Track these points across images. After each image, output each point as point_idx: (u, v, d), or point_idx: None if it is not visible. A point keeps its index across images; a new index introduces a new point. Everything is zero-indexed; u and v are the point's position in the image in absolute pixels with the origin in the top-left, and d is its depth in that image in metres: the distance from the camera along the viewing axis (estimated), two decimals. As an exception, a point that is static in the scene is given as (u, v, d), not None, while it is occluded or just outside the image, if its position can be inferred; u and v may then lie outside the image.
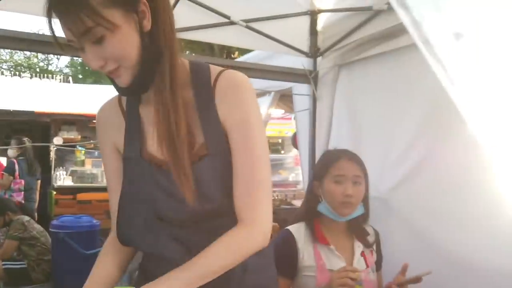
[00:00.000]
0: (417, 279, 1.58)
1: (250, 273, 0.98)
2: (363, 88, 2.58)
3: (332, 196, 1.64)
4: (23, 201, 5.49)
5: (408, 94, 2.27)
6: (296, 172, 6.98)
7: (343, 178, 1.64)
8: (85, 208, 6.10)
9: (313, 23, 2.79)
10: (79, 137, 7.69)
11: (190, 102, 0.94)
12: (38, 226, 4.11)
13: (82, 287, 0.98)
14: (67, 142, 7.25)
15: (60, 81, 16.20)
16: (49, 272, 3.99)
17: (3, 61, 23.35)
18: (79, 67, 23.83)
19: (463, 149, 1.92)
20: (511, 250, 1.74)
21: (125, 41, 0.84)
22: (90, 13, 0.79)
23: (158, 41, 0.88)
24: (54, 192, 6.42)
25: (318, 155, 2.74)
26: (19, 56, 23.96)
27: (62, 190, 6.50)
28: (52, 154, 6.82)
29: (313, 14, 2.75)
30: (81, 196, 6.47)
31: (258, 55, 3.35)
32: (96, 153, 6.98)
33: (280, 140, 9.78)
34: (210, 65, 0.98)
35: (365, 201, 1.70)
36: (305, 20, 2.77)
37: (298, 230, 1.67)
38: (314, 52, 2.82)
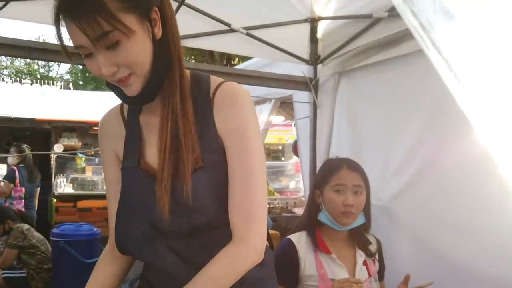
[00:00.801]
0: None
1: (247, 286, 0.96)
2: (364, 96, 2.57)
3: (332, 205, 1.63)
4: (23, 209, 5.48)
5: (408, 101, 2.26)
6: (297, 180, 6.98)
7: (343, 188, 1.63)
8: (85, 215, 6.09)
9: (313, 31, 2.79)
10: (80, 144, 7.69)
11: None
12: (38, 235, 4.09)
13: None
14: (68, 149, 7.25)
15: (61, 88, 16.23)
16: (49, 281, 3.97)
17: (3, 67, 23.42)
18: (79, 74, 23.87)
19: (465, 156, 1.91)
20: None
21: (140, 47, 0.83)
22: (108, 16, 0.78)
23: (168, 49, 0.89)
24: (55, 200, 6.41)
25: (319, 162, 2.74)
26: (20, 62, 24.03)
27: (63, 197, 6.49)
28: (53, 162, 6.81)
29: (313, 22, 2.75)
30: (81, 204, 6.46)
31: (258, 62, 3.35)
32: (97, 160, 6.98)
33: (280, 147, 9.77)
34: (211, 76, 0.98)
35: (367, 210, 1.69)
36: (305, 28, 2.78)
37: (299, 239, 1.66)
38: (314, 60, 2.82)
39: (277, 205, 4.50)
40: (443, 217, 2.04)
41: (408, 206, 2.24)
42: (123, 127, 1.03)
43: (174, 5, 2.27)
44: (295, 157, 6.18)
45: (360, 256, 1.68)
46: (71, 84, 19.72)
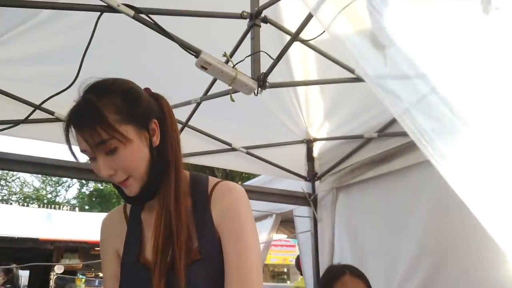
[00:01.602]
0: None
1: None
2: (362, 209, 2.67)
3: None
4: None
5: (405, 213, 2.35)
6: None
7: None
8: None
9: (309, 151, 2.99)
10: (81, 265, 7.55)
11: (189, 209, 1.01)
12: None
13: None
14: (69, 269, 7.10)
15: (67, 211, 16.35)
16: None
17: (13, 193, 23.87)
18: (86, 198, 24.18)
19: (471, 261, 1.95)
20: None
21: (136, 154, 0.94)
22: (106, 127, 0.90)
23: (165, 155, 1.00)
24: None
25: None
26: (29, 188, 24.57)
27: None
28: (52, 283, 6.62)
29: (308, 143, 2.97)
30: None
31: (260, 179, 3.51)
32: (97, 281, 6.79)
33: (285, 269, 9.48)
34: (209, 176, 1.09)
35: None
36: (302, 148, 2.99)
37: None
38: (312, 177, 2.98)
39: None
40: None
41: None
42: (125, 224, 1.10)
43: (178, 126, 2.51)
44: (300, 278, 5.98)
45: None
46: (77, 209, 19.90)
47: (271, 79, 1.74)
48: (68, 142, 0.95)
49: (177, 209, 0.97)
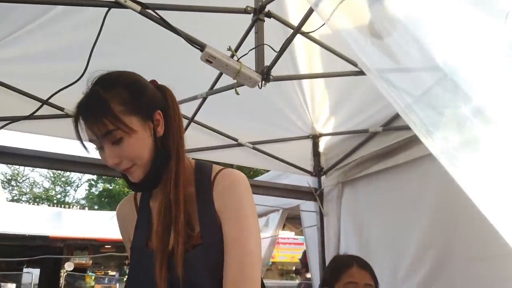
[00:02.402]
0: None
1: None
2: (367, 203, 2.69)
3: None
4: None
5: (410, 206, 2.37)
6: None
7: (355, 286, 1.65)
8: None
9: (315, 146, 3.01)
10: (91, 262, 7.63)
11: (192, 196, 1.05)
12: None
13: None
14: (79, 267, 7.18)
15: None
16: None
17: (23, 193, 24.12)
18: (95, 198, 24.35)
19: (476, 254, 1.95)
20: None
21: (140, 144, 0.98)
22: (112, 118, 0.95)
23: (168, 144, 1.03)
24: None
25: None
26: (39, 188, 24.82)
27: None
28: (62, 280, 6.71)
29: (314, 138, 2.98)
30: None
31: (267, 176, 3.54)
32: (106, 279, 6.85)
33: (294, 267, 9.50)
34: (213, 164, 1.12)
35: None
36: (308, 143, 3.01)
37: None
38: (318, 171, 3.00)
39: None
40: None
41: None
42: (135, 212, 1.16)
43: (185, 122, 2.54)
44: (308, 275, 5.98)
45: None
46: (86, 208, 20.06)
47: (277, 74, 1.77)
48: (78, 133, 1.00)
49: (177, 197, 1.00)
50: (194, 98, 2.32)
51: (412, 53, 1.15)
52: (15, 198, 23.14)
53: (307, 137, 2.96)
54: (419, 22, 1.12)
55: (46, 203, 22.67)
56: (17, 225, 7.34)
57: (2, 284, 7.06)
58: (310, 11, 1.66)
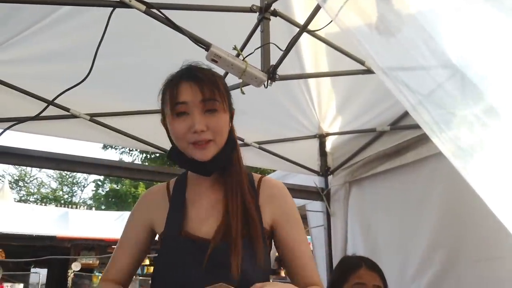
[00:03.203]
0: None
1: None
2: (375, 202, 2.66)
3: None
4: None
5: (418, 205, 2.34)
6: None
7: (363, 287, 1.63)
8: None
9: (322, 145, 3.00)
10: (98, 262, 7.66)
11: None
12: None
13: None
14: (86, 267, 7.21)
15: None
16: None
17: (31, 194, 24.28)
18: (102, 199, 24.45)
19: (486, 253, 1.93)
20: None
21: (226, 124, 1.08)
22: (221, 91, 1.06)
23: (234, 137, 1.14)
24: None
25: (334, 271, 2.72)
26: (46, 189, 24.97)
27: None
28: (69, 280, 6.74)
29: (321, 137, 2.97)
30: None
31: (273, 176, 3.52)
32: (113, 279, 6.86)
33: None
34: None
35: None
36: (315, 142, 2.99)
37: None
38: (324, 171, 2.98)
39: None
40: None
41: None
42: (167, 202, 1.17)
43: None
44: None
45: None
46: (93, 209, 20.15)
47: (283, 73, 1.75)
48: (172, 94, 1.05)
49: (243, 188, 1.11)
50: (200, 98, 2.30)
51: (422, 50, 1.12)
52: (23, 198, 23.30)
53: (314, 136, 2.94)
54: (429, 18, 1.10)
55: (53, 203, 22.78)
56: (24, 226, 7.38)
57: (10, 284, 7.11)
58: (317, 9, 1.65)
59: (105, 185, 25.25)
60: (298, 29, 1.83)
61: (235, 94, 1.91)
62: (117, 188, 23.35)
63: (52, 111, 2.27)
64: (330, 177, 2.98)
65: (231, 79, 1.78)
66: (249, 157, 2.84)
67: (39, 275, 8.38)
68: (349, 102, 2.63)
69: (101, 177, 25.01)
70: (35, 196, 24.41)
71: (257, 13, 1.73)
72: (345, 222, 2.80)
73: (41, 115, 2.03)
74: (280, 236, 1.13)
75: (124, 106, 2.51)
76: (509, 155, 0.94)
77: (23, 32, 1.98)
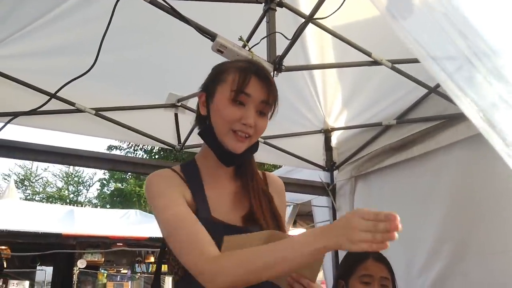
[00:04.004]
0: None
1: None
2: (381, 197, 2.64)
3: None
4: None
5: (424, 199, 2.32)
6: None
7: (370, 279, 1.62)
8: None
9: (327, 140, 2.98)
10: (103, 260, 7.68)
11: None
12: None
13: None
14: (91, 264, 7.22)
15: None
16: None
17: (36, 193, 24.38)
18: (107, 198, 24.54)
19: (492, 248, 1.92)
20: None
21: (265, 128, 1.15)
22: (276, 100, 1.14)
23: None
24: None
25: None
26: (52, 188, 25.08)
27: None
28: (75, 277, 6.76)
29: (326, 132, 2.95)
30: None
31: (279, 170, 3.52)
32: (119, 277, 6.89)
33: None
34: None
35: None
36: (320, 137, 2.97)
37: None
38: (330, 166, 2.96)
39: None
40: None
41: (436, 308, 2.15)
42: (184, 184, 1.14)
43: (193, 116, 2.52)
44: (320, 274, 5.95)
45: None
46: (98, 207, 20.21)
47: (288, 65, 1.74)
48: (242, 82, 1.09)
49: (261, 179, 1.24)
50: (205, 91, 2.29)
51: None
52: (28, 198, 23.40)
53: (319, 131, 2.92)
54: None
55: (58, 202, 22.89)
56: (30, 223, 7.41)
57: (16, 281, 7.15)
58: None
59: (110, 184, 25.34)
60: (303, 20, 1.81)
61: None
62: (122, 187, 23.42)
63: (57, 105, 2.27)
64: (335, 172, 2.96)
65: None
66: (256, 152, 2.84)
67: (45, 272, 8.42)
68: (355, 96, 2.61)
69: (106, 176, 25.13)
70: (40, 196, 24.51)
71: (263, 4, 1.72)
72: (351, 217, 2.78)
73: (46, 109, 2.04)
74: None
75: (129, 101, 2.51)
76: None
77: (27, 27, 1.98)
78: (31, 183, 24.30)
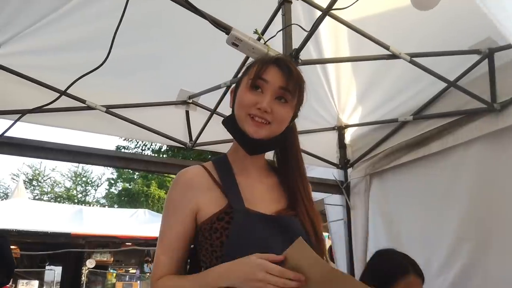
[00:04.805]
0: None
1: None
2: (397, 195, 2.59)
3: None
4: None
5: (443, 196, 2.27)
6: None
7: None
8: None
9: (341, 137, 2.92)
10: (112, 259, 7.67)
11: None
12: None
13: None
14: (100, 264, 7.22)
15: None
16: None
17: (45, 193, 24.52)
18: (115, 198, 24.62)
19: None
20: None
21: (288, 117, 1.12)
22: (299, 88, 1.12)
23: (292, 134, 1.19)
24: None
25: (356, 265, 2.66)
26: (60, 188, 25.21)
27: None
28: (84, 277, 6.76)
29: (340, 129, 2.89)
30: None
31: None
32: (127, 277, 6.88)
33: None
34: None
35: None
36: (333, 134, 2.91)
37: None
38: (344, 164, 2.91)
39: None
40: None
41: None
42: (210, 180, 1.14)
43: (207, 113, 2.49)
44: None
45: None
46: (106, 207, 20.28)
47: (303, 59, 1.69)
48: (259, 69, 1.10)
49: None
50: (218, 87, 2.25)
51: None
52: (37, 197, 23.51)
53: (332, 128, 2.87)
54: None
55: (67, 202, 23.01)
56: (39, 223, 7.43)
57: (26, 281, 7.17)
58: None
59: (118, 184, 25.43)
60: (319, 14, 1.76)
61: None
62: (129, 187, 23.49)
63: (68, 102, 2.24)
64: (349, 170, 2.91)
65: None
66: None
67: (54, 272, 8.44)
68: (369, 92, 2.55)
69: (114, 176, 25.22)
70: (48, 195, 24.64)
71: (278, -4, 1.67)
72: (366, 215, 2.73)
73: (56, 106, 2.01)
74: None
75: (140, 97, 2.47)
76: None
77: (38, 23, 1.95)
78: (39, 183, 24.43)
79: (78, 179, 25.73)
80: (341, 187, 2.86)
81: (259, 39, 1.58)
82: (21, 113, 2.03)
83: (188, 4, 1.50)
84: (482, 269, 2.05)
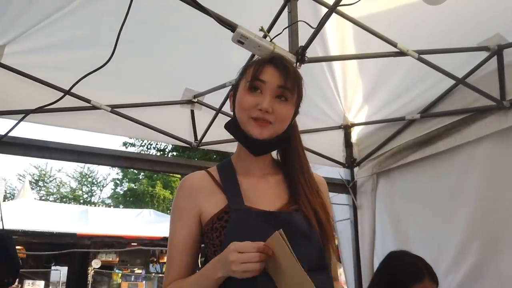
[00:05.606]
0: None
1: None
2: (404, 194, 2.56)
3: None
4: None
5: (451, 195, 2.24)
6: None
7: None
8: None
9: (347, 136, 2.90)
10: (117, 259, 7.68)
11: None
12: None
13: None
14: (106, 264, 7.23)
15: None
16: None
17: (51, 193, 24.62)
18: (120, 198, 24.68)
19: None
20: None
21: (289, 114, 1.12)
22: (297, 85, 1.12)
23: (294, 132, 1.19)
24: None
25: (363, 265, 2.64)
26: (66, 189, 25.30)
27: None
28: (90, 277, 6.77)
29: (346, 128, 2.87)
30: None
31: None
32: (133, 277, 6.88)
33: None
34: None
35: None
36: (339, 133, 2.89)
37: None
38: (350, 163, 2.88)
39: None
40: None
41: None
42: (213, 184, 1.17)
43: (212, 113, 2.47)
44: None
45: None
46: (112, 207, 20.32)
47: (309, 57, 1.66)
48: (255, 70, 1.10)
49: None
50: (223, 86, 2.24)
51: None
52: (43, 198, 23.60)
53: (339, 127, 2.85)
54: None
55: (72, 202, 23.08)
56: (45, 223, 7.45)
57: (31, 281, 7.19)
58: (348, -14, 1.55)
59: (123, 184, 25.48)
60: (324, 11, 1.74)
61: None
62: (135, 187, 23.53)
63: (72, 102, 2.23)
64: (356, 169, 2.88)
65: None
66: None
67: (59, 272, 8.46)
68: (376, 90, 2.52)
69: (120, 176, 25.27)
70: (54, 196, 24.74)
71: (284, -6, 1.65)
72: (373, 215, 2.70)
73: (61, 106, 2.00)
74: None
75: (145, 97, 2.46)
76: None
77: (42, 22, 1.94)
78: (45, 184, 24.53)
79: (84, 179, 25.81)
80: (347, 186, 2.84)
81: (265, 36, 1.56)
82: (25, 113, 2.03)
83: (193, 2, 1.48)
84: (491, 268, 2.02)
